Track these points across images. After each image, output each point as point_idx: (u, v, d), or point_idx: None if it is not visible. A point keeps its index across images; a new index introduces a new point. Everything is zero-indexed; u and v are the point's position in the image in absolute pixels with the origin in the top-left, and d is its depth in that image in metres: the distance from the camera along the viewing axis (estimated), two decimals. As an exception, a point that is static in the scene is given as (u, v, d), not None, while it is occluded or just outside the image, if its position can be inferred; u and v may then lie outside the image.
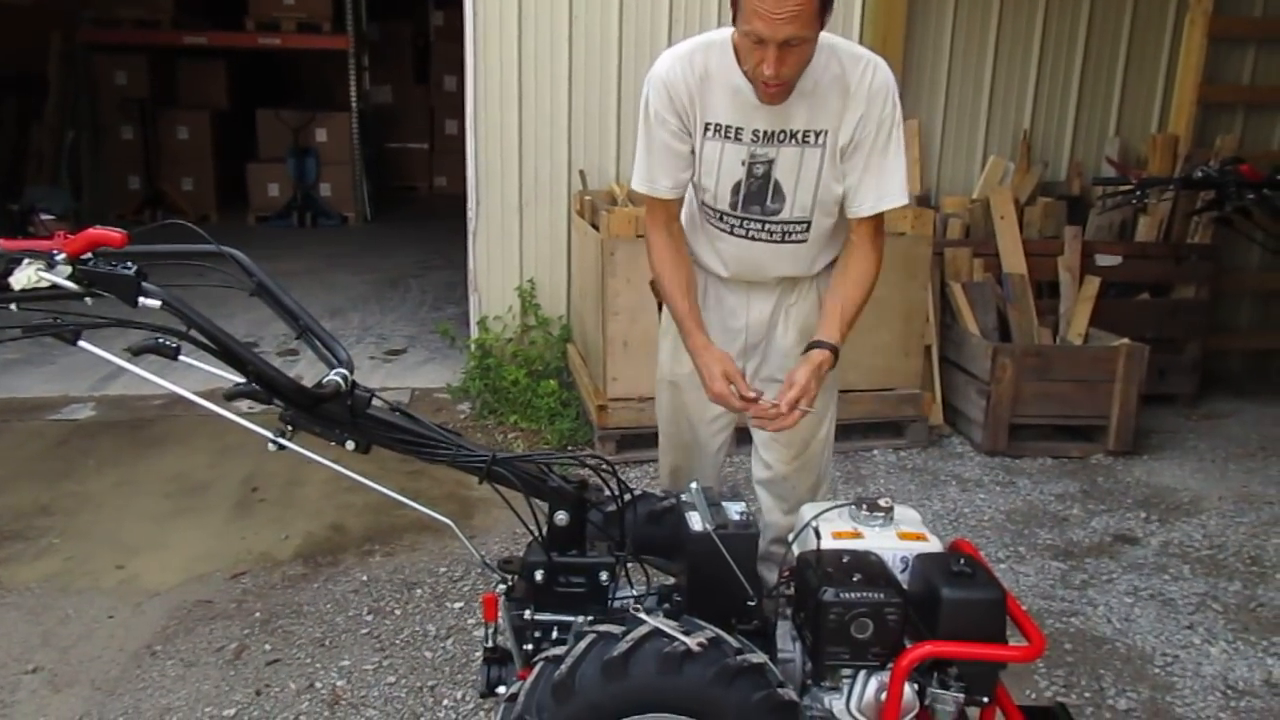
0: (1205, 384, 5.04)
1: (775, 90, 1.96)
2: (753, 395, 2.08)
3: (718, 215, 2.21)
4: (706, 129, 2.10)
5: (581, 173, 4.76)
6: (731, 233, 2.21)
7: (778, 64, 1.88)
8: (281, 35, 9.28)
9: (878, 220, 2.14)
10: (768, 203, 2.14)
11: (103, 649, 2.75)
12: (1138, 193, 4.56)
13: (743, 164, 2.10)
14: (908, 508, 1.91)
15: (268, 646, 2.77)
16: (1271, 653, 2.85)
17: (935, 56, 4.94)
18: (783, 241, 2.19)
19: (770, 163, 2.09)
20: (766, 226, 2.17)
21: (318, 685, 2.61)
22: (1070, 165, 5.18)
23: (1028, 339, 4.57)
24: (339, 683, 2.62)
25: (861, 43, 4.66)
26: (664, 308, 2.37)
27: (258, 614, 2.94)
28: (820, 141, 2.06)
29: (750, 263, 2.24)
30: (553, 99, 4.70)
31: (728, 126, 2.07)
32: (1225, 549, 3.48)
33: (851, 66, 2.02)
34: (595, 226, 4.19)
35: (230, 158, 9.63)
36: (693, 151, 2.14)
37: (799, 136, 2.06)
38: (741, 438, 2.53)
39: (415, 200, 11.11)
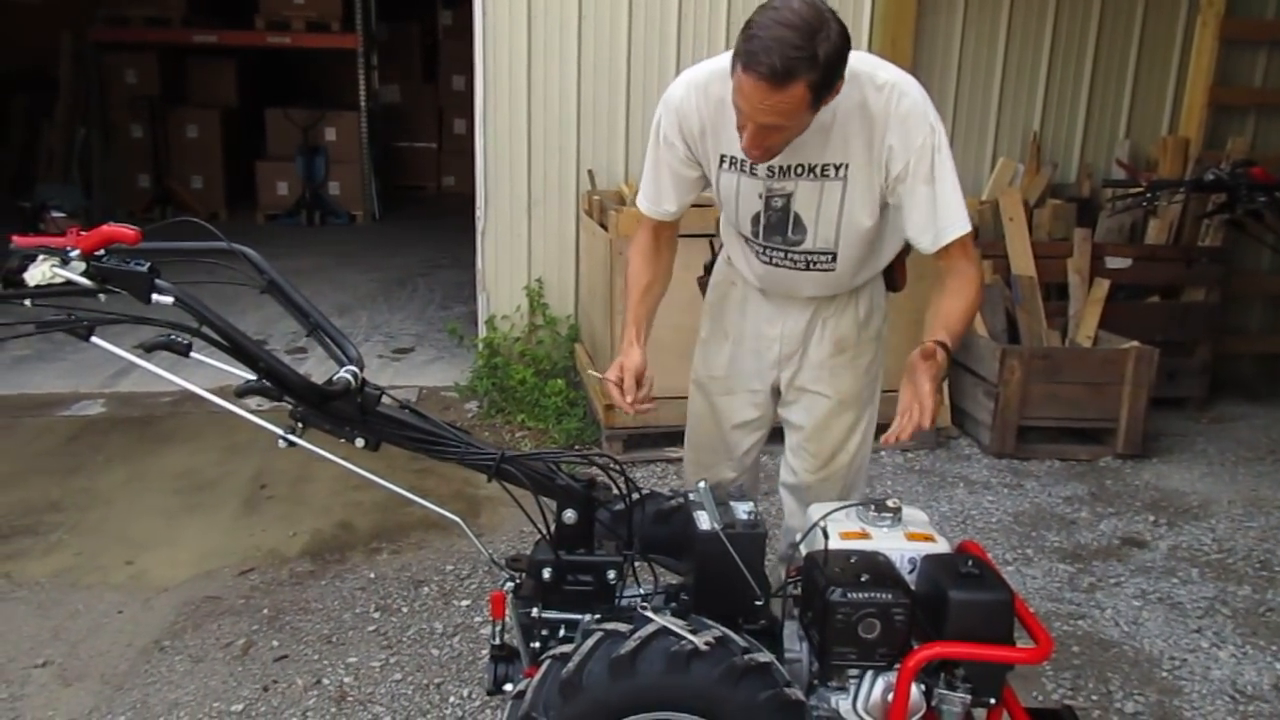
0: (1215, 387, 5.01)
1: (758, 156, 1.89)
2: (632, 400, 2.04)
3: (743, 240, 2.18)
4: (722, 161, 2.04)
5: (590, 172, 4.76)
6: (758, 257, 2.17)
7: (757, 138, 1.81)
8: (291, 34, 9.29)
9: (959, 248, 1.95)
10: (789, 234, 2.07)
11: (112, 644, 2.77)
12: (1148, 195, 4.54)
13: (760, 197, 2.04)
14: (915, 509, 1.91)
15: (275, 643, 2.78)
16: (1280, 657, 2.84)
17: (945, 58, 4.92)
18: (808, 269, 2.12)
19: (789, 196, 2.01)
20: (790, 255, 2.11)
21: (325, 682, 2.62)
22: (1080, 167, 5.16)
23: (1036, 341, 4.56)
24: (346, 679, 2.63)
25: (870, 44, 4.74)
26: (705, 306, 2.37)
27: (265, 610, 2.95)
28: (841, 175, 1.95)
29: (780, 283, 2.20)
30: (561, 98, 4.71)
31: (743, 161, 1.99)
32: (1234, 553, 3.47)
33: (874, 95, 1.88)
34: (604, 226, 4.19)
35: (239, 156, 9.64)
36: (702, 177, 2.11)
37: (816, 170, 1.97)
38: (774, 436, 2.46)
39: (423, 199, 11.13)
